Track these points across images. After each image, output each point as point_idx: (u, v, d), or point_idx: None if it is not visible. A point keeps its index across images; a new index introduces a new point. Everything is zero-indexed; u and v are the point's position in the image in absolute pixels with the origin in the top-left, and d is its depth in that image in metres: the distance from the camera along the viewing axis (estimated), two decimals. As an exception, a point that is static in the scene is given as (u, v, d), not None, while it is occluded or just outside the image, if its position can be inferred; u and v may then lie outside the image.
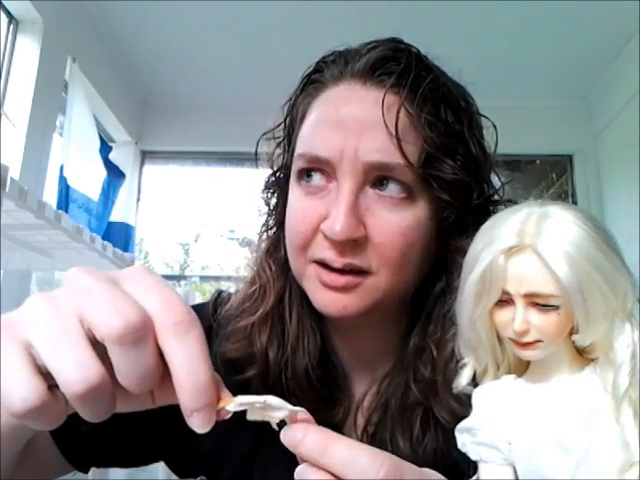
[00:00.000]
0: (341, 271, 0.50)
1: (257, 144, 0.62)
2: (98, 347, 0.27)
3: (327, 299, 0.50)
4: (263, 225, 0.62)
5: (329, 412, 0.56)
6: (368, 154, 0.49)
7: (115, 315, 0.27)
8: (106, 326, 0.27)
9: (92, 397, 0.26)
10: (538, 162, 3.11)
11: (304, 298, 0.56)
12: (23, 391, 0.26)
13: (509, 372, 0.34)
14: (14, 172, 1.37)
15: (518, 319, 0.30)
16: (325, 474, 0.29)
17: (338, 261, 0.49)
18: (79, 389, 0.26)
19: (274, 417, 0.30)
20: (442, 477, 0.32)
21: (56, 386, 0.27)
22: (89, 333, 0.27)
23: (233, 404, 0.29)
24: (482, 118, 0.57)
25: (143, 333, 0.27)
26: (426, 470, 0.32)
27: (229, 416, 0.29)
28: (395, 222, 0.50)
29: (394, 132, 0.48)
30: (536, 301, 0.30)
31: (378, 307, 0.51)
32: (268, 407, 0.30)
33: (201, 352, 0.28)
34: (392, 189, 0.50)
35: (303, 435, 0.29)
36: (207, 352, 0.28)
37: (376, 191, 0.50)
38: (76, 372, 0.26)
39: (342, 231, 0.47)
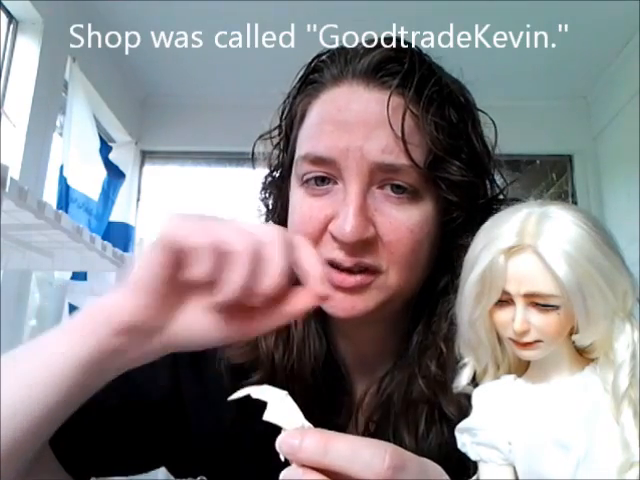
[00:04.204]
0: (351, 271, 0.49)
1: (254, 145, 0.61)
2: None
3: (335, 300, 0.50)
4: None
5: (333, 415, 0.56)
6: (374, 155, 0.48)
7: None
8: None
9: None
10: (538, 162, 3.10)
11: None
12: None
13: (509, 372, 0.34)
14: (14, 172, 1.37)
15: (518, 319, 0.30)
16: (317, 474, 0.28)
17: (348, 261, 0.49)
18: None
19: (287, 422, 0.30)
20: (438, 466, 0.32)
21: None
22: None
23: (257, 390, 0.31)
24: (480, 113, 0.57)
25: None
26: (423, 458, 0.32)
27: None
28: (403, 220, 0.50)
29: (400, 134, 0.48)
30: (536, 301, 0.30)
31: (385, 306, 0.51)
32: (286, 407, 0.31)
33: None
34: (398, 189, 0.50)
35: (301, 440, 0.29)
36: None
37: (383, 191, 0.50)
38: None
39: (353, 233, 0.47)
